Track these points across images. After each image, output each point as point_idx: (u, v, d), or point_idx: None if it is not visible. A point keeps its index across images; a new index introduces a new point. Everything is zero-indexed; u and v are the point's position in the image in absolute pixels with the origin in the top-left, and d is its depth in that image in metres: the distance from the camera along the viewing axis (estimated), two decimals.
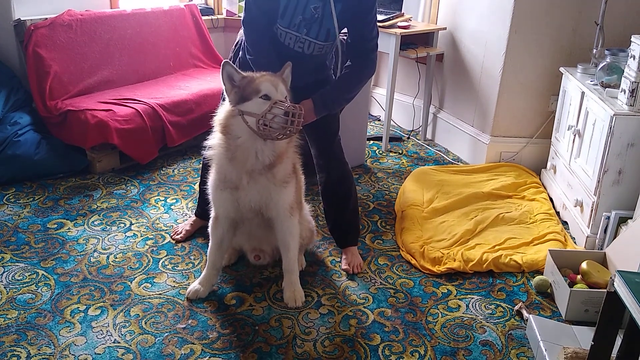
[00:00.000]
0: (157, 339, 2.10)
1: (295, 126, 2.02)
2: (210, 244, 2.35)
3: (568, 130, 3.06)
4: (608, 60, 2.86)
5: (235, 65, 2.11)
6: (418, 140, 4.18)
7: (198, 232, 2.80)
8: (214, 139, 2.16)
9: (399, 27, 3.74)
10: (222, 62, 2.06)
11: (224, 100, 2.20)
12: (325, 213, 2.71)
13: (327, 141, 2.57)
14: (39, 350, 2.03)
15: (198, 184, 2.88)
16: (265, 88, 2.04)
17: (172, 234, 2.77)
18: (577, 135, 2.96)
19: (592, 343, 1.62)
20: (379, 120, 4.53)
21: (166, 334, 2.13)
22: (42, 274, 2.45)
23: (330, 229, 2.71)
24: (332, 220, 2.69)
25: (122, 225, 2.86)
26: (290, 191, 2.24)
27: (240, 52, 2.48)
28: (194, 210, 2.89)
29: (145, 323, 2.19)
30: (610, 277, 1.52)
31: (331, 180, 2.61)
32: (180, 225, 2.82)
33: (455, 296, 2.44)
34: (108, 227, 2.84)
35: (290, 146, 2.21)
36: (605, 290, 1.60)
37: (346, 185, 2.63)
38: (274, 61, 2.26)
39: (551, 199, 3.24)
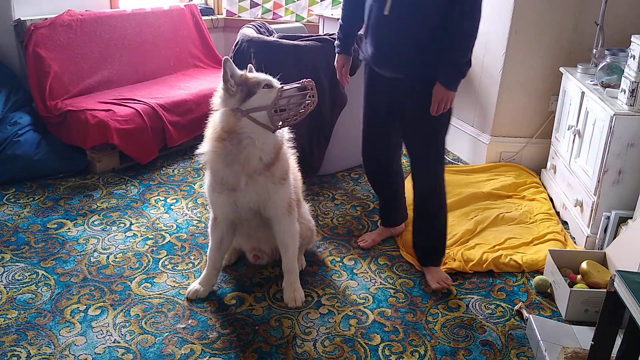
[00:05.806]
0: (157, 339, 2.10)
1: (312, 99, 2.04)
2: (210, 244, 2.35)
3: (568, 130, 3.06)
4: (608, 60, 2.86)
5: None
6: None
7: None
8: (207, 146, 2.12)
9: None
10: (223, 60, 2.05)
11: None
12: (413, 226, 2.56)
13: (419, 146, 2.39)
14: (39, 350, 2.03)
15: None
16: (265, 78, 2.10)
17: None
18: (577, 135, 2.96)
19: (592, 343, 1.62)
20: None
21: (166, 334, 2.13)
22: (42, 274, 2.45)
23: (414, 245, 2.58)
24: (416, 236, 2.55)
25: (122, 225, 2.86)
26: (288, 188, 2.24)
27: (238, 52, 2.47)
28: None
29: (145, 323, 2.19)
30: (610, 277, 1.52)
31: (418, 193, 2.45)
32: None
33: (455, 296, 2.44)
34: (108, 227, 2.84)
35: (283, 141, 2.21)
36: (605, 290, 1.61)
37: (435, 203, 2.45)
38: (358, 16, 2.31)
39: (551, 199, 3.24)
